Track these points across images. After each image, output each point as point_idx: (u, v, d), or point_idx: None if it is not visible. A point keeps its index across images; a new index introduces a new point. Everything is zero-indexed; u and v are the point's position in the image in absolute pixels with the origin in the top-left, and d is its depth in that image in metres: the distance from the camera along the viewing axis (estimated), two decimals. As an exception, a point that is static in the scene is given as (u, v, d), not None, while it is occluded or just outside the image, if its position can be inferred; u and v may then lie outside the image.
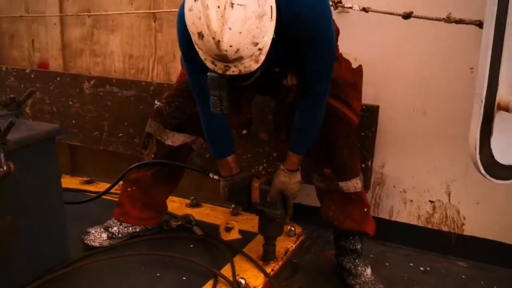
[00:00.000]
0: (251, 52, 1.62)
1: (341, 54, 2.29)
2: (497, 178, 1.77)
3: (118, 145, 3.19)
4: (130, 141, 3.14)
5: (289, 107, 2.22)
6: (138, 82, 3.10)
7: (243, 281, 2.06)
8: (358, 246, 2.39)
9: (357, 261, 2.38)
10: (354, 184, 2.28)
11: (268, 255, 2.34)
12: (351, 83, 2.26)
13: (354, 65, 2.36)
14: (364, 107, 2.55)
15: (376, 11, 2.34)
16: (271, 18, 1.64)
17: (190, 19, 1.59)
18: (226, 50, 1.57)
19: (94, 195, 2.72)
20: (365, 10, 2.40)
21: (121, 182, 2.61)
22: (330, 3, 2.53)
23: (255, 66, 1.66)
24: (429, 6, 2.23)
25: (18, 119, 2.14)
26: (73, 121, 3.29)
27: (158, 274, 2.15)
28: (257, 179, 2.28)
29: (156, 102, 2.40)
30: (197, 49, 1.67)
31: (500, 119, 1.69)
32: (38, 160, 2.01)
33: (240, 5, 1.52)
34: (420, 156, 2.70)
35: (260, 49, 1.64)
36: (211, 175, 2.38)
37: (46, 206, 2.10)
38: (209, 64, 1.67)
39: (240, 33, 1.55)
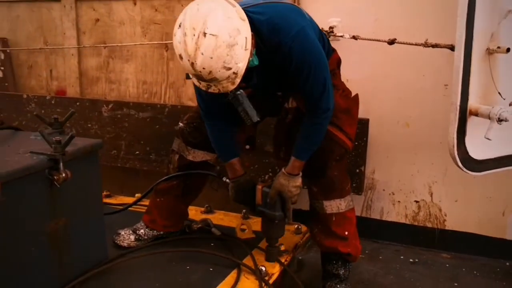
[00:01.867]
0: (225, 75, 1.89)
1: (342, 82, 2.51)
2: (472, 171, 2.14)
3: (135, 162, 3.50)
4: (146, 157, 3.46)
5: (288, 127, 2.49)
6: (153, 105, 3.44)
7: (263, 269, 2.38)
8: (341, 272, 2.49)
9: (338, 286, 2.49)
10: (338, 204, 2.41)
11: (270, 256, 2.48)
12: (344, 108, 2.38)
13: (346, 84, 2.58)
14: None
15: (365, 39, 2.75)
16: (245, 47, 1.90)
17: (174, 43, 1.93)
18: (200, 71, 1.87)
19: (119, 207, 3.02)
20: (354, 38, 2.81)
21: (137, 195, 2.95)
22: (323, 32, 2.93)
23: (231, 87, 1.96)
24: (409, 34, 2.64)
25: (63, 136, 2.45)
26: (92, 142, 3.60)
27: (188, 267, 2.45)
28: (261, 182, 2.49)
29: (179, 123, 2.68)
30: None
31: (471, 122, 2.07)
32: (85, 169, 2.32)
33: (212, 35, 1.83)
34: (405, 162, 3.08)
35: (235, 73, 1.91)
36: (224, 178, 2.57)
37: (91, 209, 2.40)
38: (196, 83, 2.01)
39: (211, 58, 1.83)
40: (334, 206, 2.41)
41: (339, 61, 2.51)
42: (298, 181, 2.36)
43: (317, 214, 2.46)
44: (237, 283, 2.30)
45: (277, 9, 2.13)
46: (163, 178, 2.72)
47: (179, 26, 1.89)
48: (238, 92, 2.04)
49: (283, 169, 2.37)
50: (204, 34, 1.82)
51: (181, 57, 1.89)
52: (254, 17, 2.04)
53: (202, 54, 1.83)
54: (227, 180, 2.55)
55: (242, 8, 1.99)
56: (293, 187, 2.35)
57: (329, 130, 2.31)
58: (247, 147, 2.70)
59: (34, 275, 2.08)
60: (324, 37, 2.43)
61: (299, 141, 2.32)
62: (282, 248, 2.62)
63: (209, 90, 1.98)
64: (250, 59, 1.99)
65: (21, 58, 4.02)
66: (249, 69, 2.02)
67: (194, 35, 1.83)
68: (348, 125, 2.39)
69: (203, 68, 1.86)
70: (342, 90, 2.46)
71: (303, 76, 2.13)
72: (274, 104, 2.55)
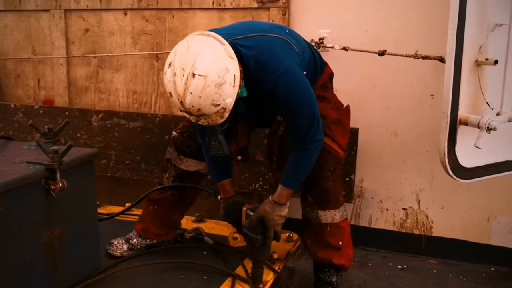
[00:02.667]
0: (213, 111, 1.95)
1: (335, 95, 2.57)
2: (461, 178, 2.21)
3: (125, 171, 3.50)
4: (137, 167, 3.46)
5: (280, 138, 2.51)
6: (144, 114, 3.44)
7: (257, 277, 2.41)
8: (333, 279, 2.53)
9: None
10: (332, 215, 2.44)
11: (255, 277, 2.42)
12: (335, 119, 2.42)
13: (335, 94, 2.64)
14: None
15: (355, 50, 2.82)
16: (234, 84, 1.95)
17: (164, 80, 1.99)
18: (189, 109, 1.94)
19: (106, 216, 3.01)
20: (345, 49, 2.88)
21: (127, 204, 2.96)
22: (313, 44, 3.00)
23: (220, 120, 2.02)
24: (398, 46, 2.73)
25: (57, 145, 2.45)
26: (80, 152, 3.58)
27: (182, 276, 2.46)
28: (248, 204, 2.48)
29: (173, 131, 2.69)
30: None
31: (461, 131, 2.15)
32: (81, 179, 2.32)
33: (201, 75, 1.88)
34: (393, 170, 3.16)
35: (223, 108, 1.96)
36: (219, 197, 2.57)
37: (86, 219, 2.40)
38: (185, 115, 2.04)
39: (200, 97, 1.89)
40: (329, 216, 2.44)
41: (331, 75, 2.56)
42: (285, 211, 2.34)
43: (311, 224, 2.48)
44: (233, 291, 2.33)
45: (265, 45, 2.14)
46: (157, 188, 2.72)
47: (169, 65, 1.95)
48: (216, 127, 2.11)
49: (270, 197, 2.36)
50: (193, 75, 1.88)
51: (171, 95, 1.96)
52: (242, 50, 2.08)
53: (191, 93, 1.89)
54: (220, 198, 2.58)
55: (232, 40, 2.06)
56: (277, 216, 2.32)
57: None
58: (239, 158, 2.70)
59: (29, 284, 2.07)
60: (315, 55, 2.47)
61: (287, 170, 2.31)
62: (275, 256, 2.63)
63: (199, 122, 2.04)
64: (239, 90, 2.05)
65: (8, 67, 3.99)
66: (238, 99, 2.06)
67: (183, 75, 1.89)
68: (339, 135, 2.43)
69: (192, 106, 1.92)
70: (334, 103, 2.50)
71: (290, 112, 2.19)
72: (265, 117, 2.57)
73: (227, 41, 2.03)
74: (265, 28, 2.29)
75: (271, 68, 2.09)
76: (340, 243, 2.47)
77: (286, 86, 2.11)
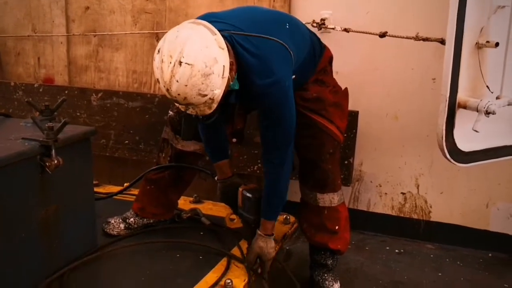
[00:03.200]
0: (201, 101, 1.91)
1: (334, 79, 2.54)
2: (459, 162, 2.20)
3: (124, 151, 3.50)
4: (135, 147, 3.46)
5: None
6: (143, 94, 3.43)
7: (252, 258, 2.42)
8: (329, 262, 2.55)
9: (326, 275, 2.55)
10: (330, 198, 2.45)
11: None
12: (333, 102, 2.40)
13: (336, 78, 2.58)
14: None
15: (356, 31, 2.79)
16: (223, 75, 1.92)
17: (153, 66, 1.96)
18: (175, 97, 1.91)
19: (105, 195, 3.02)
20: (346, 30, 2.85)
21: (126, 184, 2.97)
22: (314, 25, 2.97)
23: (208, 111, 1.99)
24: (400, 27, 2.69)
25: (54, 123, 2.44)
26: (80, 131, 3.58)
27: (178, 255, 2.47)
28: (244, 186, 2.51)
29: (169, 111, 2.68)
30: None
31: (460, 115, 2.12)
32: (77, 156, 2.31)
33: (188, 64, 1.84)
34: (393, 154, 3.14)
35: (211, 99, 1.93)
36: (216, 177, 2.59)
37: (82, 197, 2.40)
38: (174, 102, 2.02)
39: (186, 86, 1.86)
40: (327, 199, 2.44)
41: (330, 58, 2.52)
42: (273, 242, 2.40)
43: (309, 206, 2.49)
44: (227, 270, 2.33)
45: (265, 50, 2.09)
46: (154, 167, 2.72)
47: (158, 51, 1.93)
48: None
49: (258, 231, 2.39)
50: (180, 63, 1.85)
51: (158, 82, 1.94)
52: (239, 49, 2.05)
53: (177, 81, 1.86)
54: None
55: (231, 33, 2.04)
56: (270, 249, 2.38)
57: (320, 122, 2.34)
58: (234, 140, 2.67)
59: (24, 261, 2.08)
60: (314, 42, 2.43)
61: (263, 203, 2.37)
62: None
63: (188, 112, 2.03)
64: (231, 83, 2.03)
65: (8, 45, 3.97)
66: (229, 91, 2.05)
67: (170, 62, 1.86)
68: (338, 117, 2.41)
69: (178, 95, 1.90)
70: (333, 86, 2.48)
71: (268, 123, 2.19)
72: None
73: (227, 35, 2.01)
74: (266, 21, 2.25)
75: (264, 74, 2.07)
76: (337, 227, 2.47)
77: (275, 96, 2.11)
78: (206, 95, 1.91)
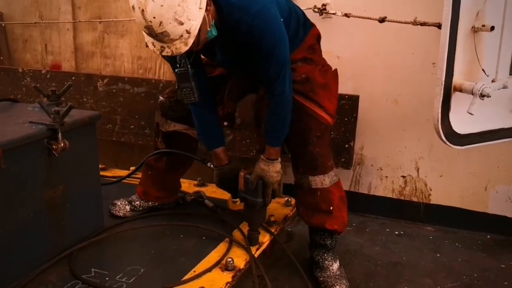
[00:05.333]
0: (177, 31, 1.85)
1: (323, 58, 2.50)
2: (455, 145, 2.23)
3: (130, 136, 3.56)
4: (141, 132, 3.52)
5: (267, 103, 2.41)
6: (148, 80, 3.49)
7: (253, 239, 2.48)
8: (328, 242, 2.55)
9: (325, 255, 2.56)
10: (322, 180, 2.43)
11: (252, 240, 2.47)
12: (322, 83, 2.36)
13: (337, 63, 2.57)
14: (346, 96, 3.01)
15: (356, 16, 2.82)
16: (200, 6, 1.87)
17: None
18: (150, 21, 1.81)
19: (113, 179, 3.10)
20: (346, 15, 2.88)
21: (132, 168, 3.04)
22: (316, 10, 3.00)
23: (184, 48, 1.92)
24: (399, 12, 2.71)
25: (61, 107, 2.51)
26: (87, 116, 3.65)
27: (182, 236, 2.54)
28: (244, 170, 2.46)
29: (160, 96, 2.71)
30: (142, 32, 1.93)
31: (456, 98, 2.16)
32: (83, 140, 2.38)
33: None
34: (393, 138, 3.18)
35: (188, 32, 1.87)
36: (208, 164, 2.58)
37: (88, 179, 2.48)
38: (150, 46, 1.94)
39: (162, 6, 1.78)
40: (318, 181, 2.44)
41: (318, 36, 2.49)
42: (278, 166, 2.38)
43: (303, 189, 2.49)
44: (229, 250, 2.39)
45: None
46: (152, 153, 2.77)
47: None
48: (187, 70, 2.11)
49: (261, 156, 2.39)
50: None
51: (133, 8, 1.86)
52: None
53: (153, 1, 1.79)
54: (211, 166, 2.57)
55: None
56: (274, 172, 2.36)
57: (307, 106, 2.33)
58: (225, 124, 2.65)
59: (33, 240, 2.16)
60: (297, 11, 2.41)
61: (268, 131, 2.35)
62: (272, 219, 2.70)
63: (163, 53, 1.95)
64: (209, 29, 1.99)
65: (16, 32, 4.04)
66: (211, 44, 2.03)
67: None
68: (327, 99, 2.38)
69: (154, 17, 1.81)
70: (322, 66, 2.45)
71: (262, 54, 2.13)
72: (253, 80, 2.53)
73: None
74: None
75: (246, 6, 2.03)
76: (331, 207, 2.47)
77: (262, 25, 2.05)
78: (182, 24, 1.85)
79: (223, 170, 2.52)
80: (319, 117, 2.34)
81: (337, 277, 2.51)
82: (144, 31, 1.91)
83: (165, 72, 3.60)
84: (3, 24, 4.00)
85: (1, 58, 4.04)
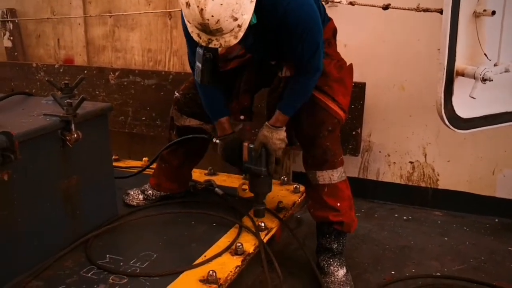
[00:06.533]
0: (230, 26, 1.86)
1: (338, 53, 2.48)
2: (458, 129, 2.26)
3: (142, 127, 3.64)
4: (152, 123, 3.60)
5: (279, 95, 2.46)
6: (158, 72, 3.55)
7: (262, 224, 2.53)
8: (334, 246, 2.47)
9: (331, 260, 2.47)
10: (330, 175, 2.39)
11: (257, 212, 2.54)
12: (337, 77, 2.35)
13: (344, 51, 2.57)
14: (353, 83, 3.03)
15: (361, 4, 2.85)
16: (251, 0, 1.90)
17: None
18: (208, 19, 1.82)
19: (128, 170, 3.17)
20: (351, 3, 2.90)
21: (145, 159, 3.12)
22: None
23: (234, 41, 1.93)
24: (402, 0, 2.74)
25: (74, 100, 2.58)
26: (99, 109, 3.73)
27: (193, 223, 2.61)
28: (248, 140, 2.47)
29: (176, 92, 2.74)
30: (186, 21, 1.94)
31: (459, 82, 2.19)
32: (95, 131, 2.45)
33: None
34: (400, 124, 3.22)
35: (239, 26, 1.88)
36: (214, 139, 2.58)
37: (101, 169, 2.56)
38: (195, 37, 1.94)
39: (221, 5, 1.80)
40: (326, 176, 2.41)
41: (335, 30, 2.51)
42: (282, 134, 2.37)
43: (311, 185, 2.48)
44: (239, 235, 2.45)
45: None
46: (166, 146, 2.82)
47: None
48: (208, 55, 2.11)
49: (266, 122, 2.39)
50: None
51: (188, 5, 1.84)
52: None
53: (213, 0, 1.81)
54: (217, 141, 2.57)
55: None
56: (277, 140, 2.36)
57: (321, 99, 2.33)
58: (242, 117, 2.65)
59: (49, 228, 2.24)
60: (320, 5, 2.43)
61: (285, 96, 2.34)
62: (281, 205, 2.74)
63: (210, 45, 1.95)
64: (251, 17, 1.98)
65: (29, 28, 4.13)
66: (249, 27, 2.03)
67: None
68: (341, 94, 2.37)
69: (212, 16, 1.82)
70: (337, 60, 2.44)
71: (296, 37, 2.13)
72: (268, 74, 2.56)
73: None
74: None
75: None
76: (339, 204, 2.42)
77: (297, 8, 2.06)
78: (236, 19, 1.86)
79: (227, 139, 2.51)
80: (333, 111, 2.34)
81: (341, 283, 2.42)
82: (195, 26, 1.91)
83: (175, 64, 3.67)
84: (16, 21, 4.10)
85: (16, 53, 4.14)
